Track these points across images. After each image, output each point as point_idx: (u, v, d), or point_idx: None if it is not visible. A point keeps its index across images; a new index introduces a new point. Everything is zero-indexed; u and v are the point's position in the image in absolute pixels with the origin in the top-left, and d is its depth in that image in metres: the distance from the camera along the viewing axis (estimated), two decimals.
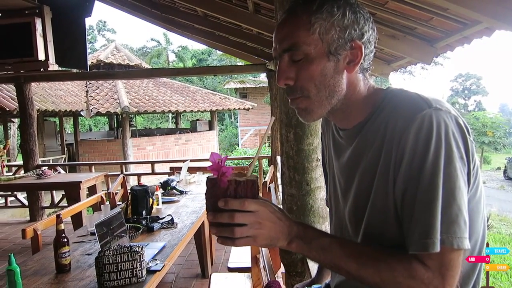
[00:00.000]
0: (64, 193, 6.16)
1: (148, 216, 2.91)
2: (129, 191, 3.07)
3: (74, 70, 6.34)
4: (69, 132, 17.58)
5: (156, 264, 2.09)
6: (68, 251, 2.07)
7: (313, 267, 1.60)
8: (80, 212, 4.15)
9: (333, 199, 1.01)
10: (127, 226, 2.54)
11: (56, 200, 6.61)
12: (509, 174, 18.17)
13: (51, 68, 4.74)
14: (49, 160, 9.97)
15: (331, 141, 1.00)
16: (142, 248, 1.91)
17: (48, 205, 6.56)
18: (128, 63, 13.18)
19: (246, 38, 5.30)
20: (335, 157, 0.98)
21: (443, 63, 28.14)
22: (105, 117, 21.96)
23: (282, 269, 2.24)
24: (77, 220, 4.42)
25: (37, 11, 4.54)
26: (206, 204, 0.78)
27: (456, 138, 0.73)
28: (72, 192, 5.11)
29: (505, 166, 18.85)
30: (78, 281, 1.93)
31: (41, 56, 4.56)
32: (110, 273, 1.81)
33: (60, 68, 5.25)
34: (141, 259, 1.88)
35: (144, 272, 1.89)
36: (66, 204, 6.14)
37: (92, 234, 2.69)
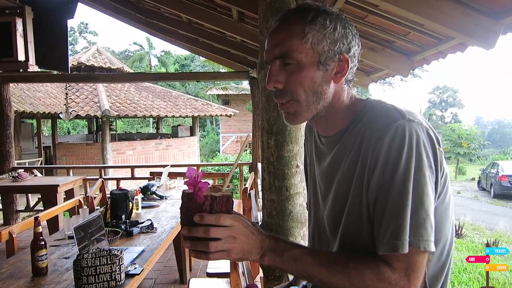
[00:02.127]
0: (40, 196, 6.04)
1: (128, 221, 2.89)
2: (108, 195, 3.05)
3: (55, 72, 6.26)
4: (47, 134, 17.22)
5: (135, 268, 2.09)
6: (45, 254, 2.04)
7: None
8: (57, 216, 4.09)
9: (313, 202, 1.05)
10: (106, 230, 2.52)
11: (32, 203, 6.46)
12: (482, 184, 18.69)
13: (30, 69, 4.65)
14: (25, 162, 9.73)
15: (313, 147, 1.05)
16: (121, 252, 1.91)
17: (23, 208, 6.41)
18: (109, 66, 13.03)
19: (230, 45, 5.34)
20: (316, 162, 1.02)
21: (421, 75, 28.92)
22: (84, 120, 21.59)
23: (261, 273, 2.27)
24: (53, 224, 4.35)
25: (18, 11, 4.47)
26: (181, 218, 0.79)
27: (426, 148, 0.78)
28: (49, 195, 5.01)
29: (479, 177, 19.38)
30: (55, 284, 1.91)
31: (21, 57, 4.48)
32: (89, 276, 1.80)
33: (40, 70, 5.18)
34: (120, 263, 1.87)
35: (123, 275, 1.89)
36: (42, 208, 6.02)
37: (70, 238, 2.66)
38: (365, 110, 0.88)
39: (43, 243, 2.03)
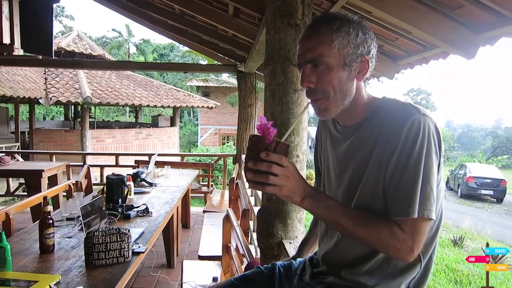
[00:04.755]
0: (22, 181, 6.01)
1: (124, 204, 3.00)
2: (93, 182, 3.13)
3: (40, 56, 6.19)
4: (21, 119, 16.76)
5: (139, 246, 2.22)
6: (53, 232, 2.14)
7: (289, 249, 1.82)
8: (40, 203, 4.12)
9: (327, 183, 1.24)
10: (106, 212, 2.63)
11: (12, 188, 6.40)
12: (450, 185, 19.51)
13: (16, 52, 4.63)
14: (1, 147, 9.53)
15: (328, 138, 1.24)
16: (129, 231, 2.04)
17: (3, 193, 6.34)
18: (90, 52, 12.85)
19: (220, 38, 5.43)
20: (331, 149, 1.21)
21: (397, 77, 29.72)
22: (59, 107, 21.13)
23: (256, 254, 2.44)
24: (37, 211, 4.37)
25: None
26: (246, 155, 0.97)
27: (434, 138, 0.98)
28: (33, 180, 5.00)
29: (448, 177, 20.19)
30: (64, 260, 2.02)
31: (6, 40, 4.44)
32: (99, 252, 1.93)
33: (24, 53, 5.13)
34: (129, 240, 2.01)
35: (130, 252, 2.03)
36: (24, 193, 5.99)
37: (68, 219, 2.75)
38: (383, 106, 1.07)
39: (51, 221, 2.14)
